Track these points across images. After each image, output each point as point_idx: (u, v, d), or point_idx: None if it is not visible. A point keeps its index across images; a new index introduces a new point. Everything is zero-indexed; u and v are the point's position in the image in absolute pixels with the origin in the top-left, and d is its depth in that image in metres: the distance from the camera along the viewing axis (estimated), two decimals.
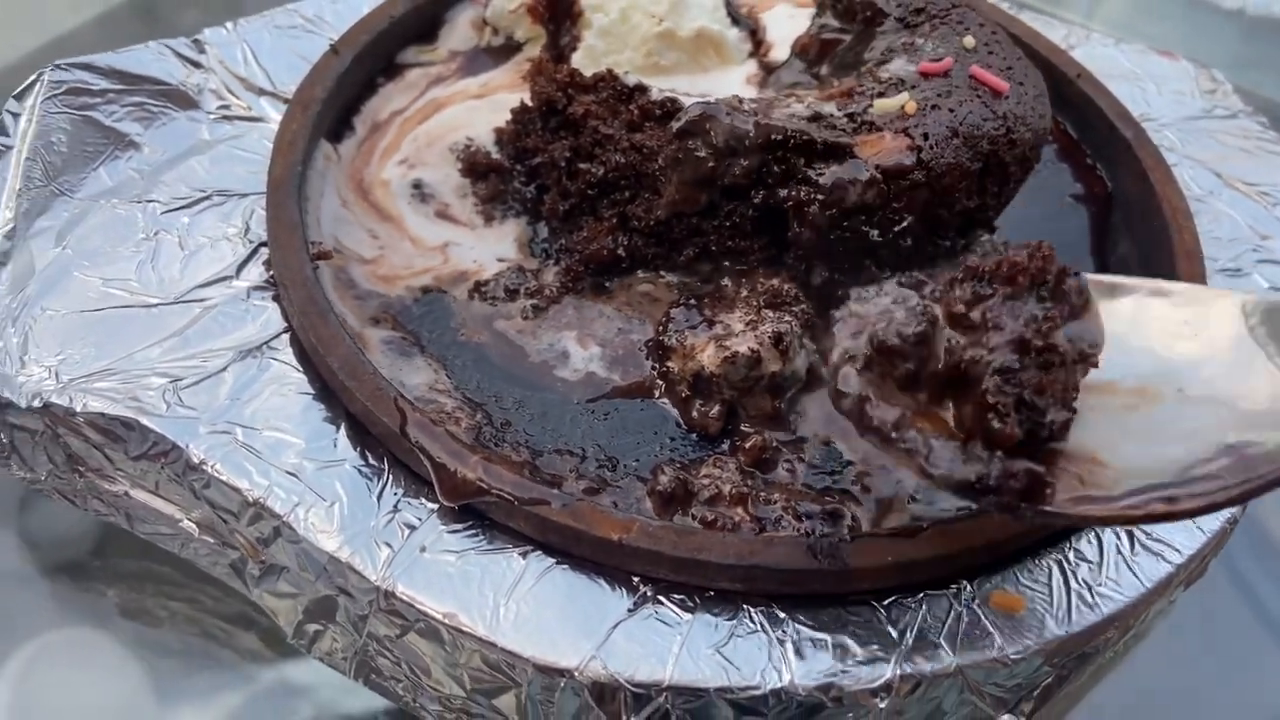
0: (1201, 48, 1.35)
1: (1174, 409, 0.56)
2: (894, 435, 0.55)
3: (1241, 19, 1.37)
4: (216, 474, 0.63)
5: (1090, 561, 0.65)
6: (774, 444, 0.70)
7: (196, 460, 0.63)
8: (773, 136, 0.71)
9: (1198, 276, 0.77)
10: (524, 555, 0.61)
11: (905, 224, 0.71)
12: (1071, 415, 0.54)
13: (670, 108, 0.78)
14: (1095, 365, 0.56)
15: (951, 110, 0.73)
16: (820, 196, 0.70)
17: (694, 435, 0.71)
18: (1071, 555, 0.65)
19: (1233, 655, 0.82)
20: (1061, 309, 0.56)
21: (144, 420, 0.64)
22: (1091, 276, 0.61)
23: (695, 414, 0.71)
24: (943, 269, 0.70)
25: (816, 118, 0.74)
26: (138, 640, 0.76)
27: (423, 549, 0.61)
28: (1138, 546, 0.65)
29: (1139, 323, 0.60)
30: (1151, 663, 0.76)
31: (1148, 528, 0.66)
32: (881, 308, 0.60)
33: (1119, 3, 1.43)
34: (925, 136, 0.71)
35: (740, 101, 0.78)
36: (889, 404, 0.56)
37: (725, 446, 0.70)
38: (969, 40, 0.77)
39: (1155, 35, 1.36)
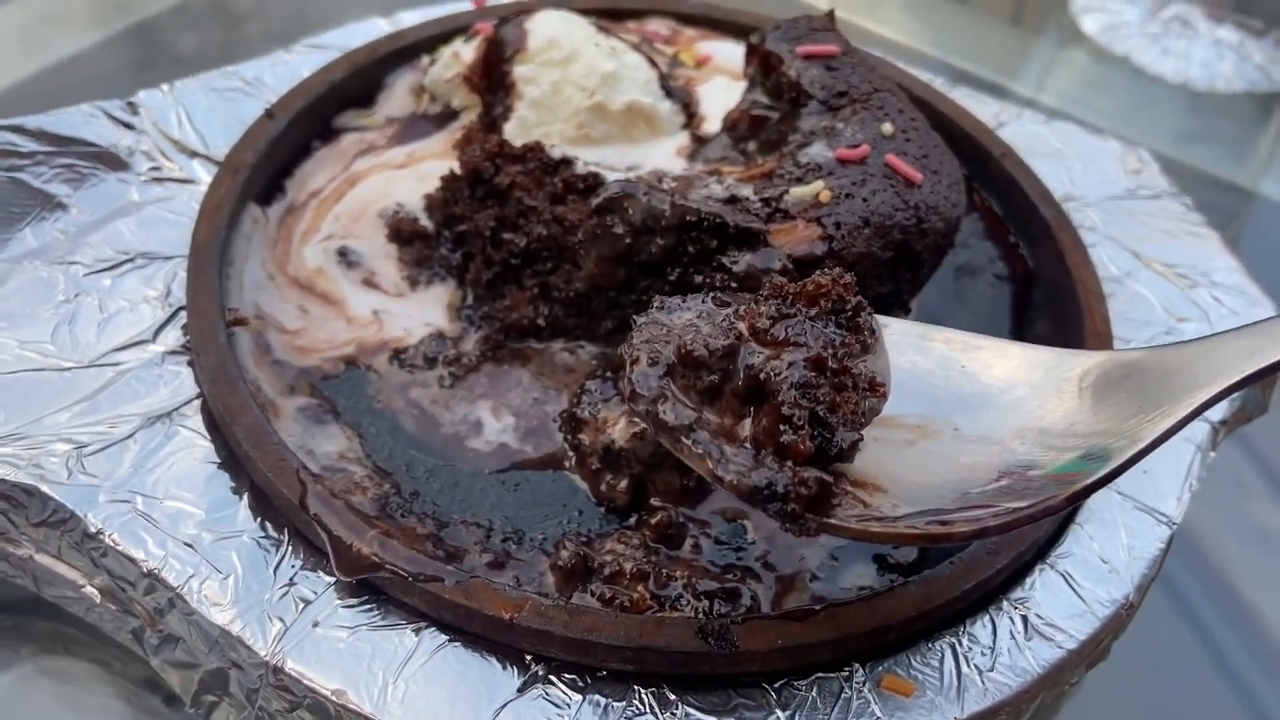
0: (1146, 121, 1.38)
1: (950, 445, 0.59)
2: (687, 437, 0.56)
3: (1185, 93, 1.41)
4: (113, 543, 0.63)
5: (984, 645, 0.65)
6: (680, 519, 0.70)
7: (94, 529, 0.63)
8: (688, 218, 0.73)
9: None
10: (417, 632, 0.62)
11: None
12: (859, 437, 0.56)
13: (593, 182, 0.79)
14: (884, 396, 0.58)
15: (865, 200, 0.74)
16: (734, 284, 0.71)
17: (603, 508, 0.71)
18: (965, 639, 0.65)
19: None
20: (857, 340, 0.59)
21: (44, 488, 0.64)
22: (898, 321, 0.64)
23: (604, 487, 0.72)
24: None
25: (733, 200, 0.75)
26: (54, 699, 0.76)
27: (315, 624, 0.61)
28: (1031, 631, 0.66)
29: (926, 368, 0.63)
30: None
31: (1039, 611, 0.67)
32: (686, 320, 0.61)
33: (1066, 77, 1.46)
34: (837, 225, 0.73)
35: (660, 180, 0.79)
36: (684, 406, 0.57)
37: (633, 520, 0.71)
38: (887, 127, 0.79)
39: (1101, 108, 1.39)
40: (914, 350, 0.62)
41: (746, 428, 0.56)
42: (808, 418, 0.54)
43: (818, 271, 0.60)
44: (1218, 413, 0.80)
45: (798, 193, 0.75)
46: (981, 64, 1.45)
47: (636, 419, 0.58)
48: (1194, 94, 1.41)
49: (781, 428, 0.54)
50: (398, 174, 0.87)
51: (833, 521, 0.54)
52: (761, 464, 0.54)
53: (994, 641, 0.65)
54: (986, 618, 0.66)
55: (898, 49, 1.44)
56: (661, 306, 0.62)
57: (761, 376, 0.56)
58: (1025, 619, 0.66)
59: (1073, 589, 0.68)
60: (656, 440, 0.69)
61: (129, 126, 0.85)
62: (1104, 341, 0.80)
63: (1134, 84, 1.43)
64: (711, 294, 0.63)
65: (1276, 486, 1.01)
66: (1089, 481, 0.53)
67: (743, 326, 0.58)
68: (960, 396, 0.60)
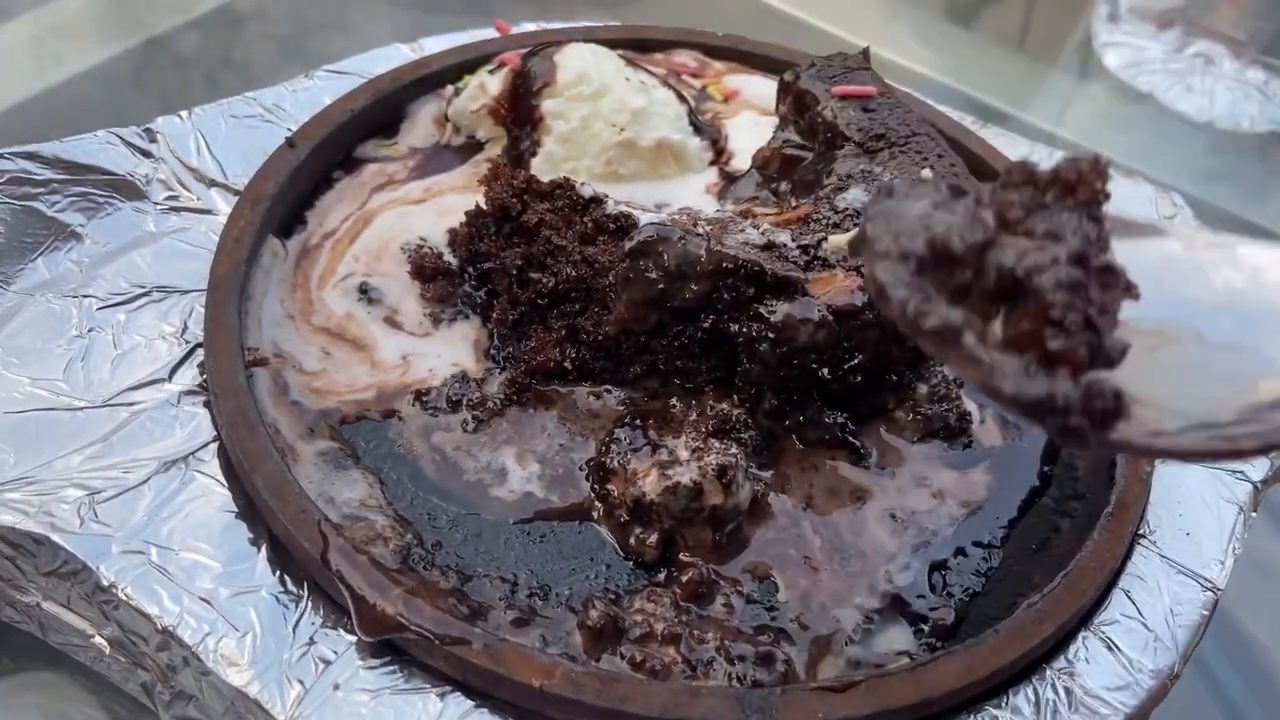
0: (1168, 159, 1.37)
1: (1197, 352, 0.53)
2: (959, 341, 0.49)
3: (1209, 131, 1.39)
4: (126, 598, 0.60)
5: (1027, 718, 0.63)
6: (711, 577, 0.68)
7: (106, 582, 0.61)
8: (724, 264, 0.71)
9: None
10: (442, 696, 0.59)
11: (855, 361, 0.70)
12: (1129, 344, 0.49)
13: (624, 223, 0.77)
14: (1137, 297, 0.51)
15: None
16: (771, 335, 0.69)
17: (631, 562, 0.69)
18: (1008, 711, 0.63)
19: None
20: (1102, 232, 0.52)
21: (54, 537, 0.61)
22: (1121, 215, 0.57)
23: (633, 541, 0.69)
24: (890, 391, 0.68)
25: (770, 246, 0.73)
26: None
27: (336, 686, 0.59)
28: (1076, 704, 0.64)
29: (1154, 261, 0.56)
30: None
31: (1084, 683, 0.65)
32: (921, 210, 0.54)
33: (1086, 112, 1.45)
34: None
35: (695, 222, 0.77)
36: (949, 307, 0.50)
37: (662, 576, 0.69)
38: (926, 173, 0.77)
39: (1122, 145, 1.38)
40: (1137, 247, 0.55)
41: (998, 329, 0.50)
42: (1080, 322, 0.48)
43: (1064, 158, 0.55)
44: (1259, 472, 0.78)
45: (836, 241, 0.72)
46: (998, 95, 1.43)
47: (894, 318, 0.51)
48: (1215, 132, 1.40)
49: (1050, 333, 0.48)
50: (415, 209, 0.85)
51: (1117, 438, 0.48)
52: (1033, 372, 0.48)
53: (1038, 714, 0.63)
54: (1030, 688, 0.64)
55: (913, 78, 1.42)
56: (891, 193, 0.56)
57: (1020, 274, 0.49)
58: (1069, 691, 0.64)
59: (1116, 658, 0.66)
60: (688, 500, 0.67)
61: (146, 154, 0.82)
62: None
63: (1155, 121, 1.41)
64: (946, 182, 0.56)
65: (1276, 518, 0.99)
66: None
67: (989, 217, 0.52)
68: (1199, 298, 0.55)
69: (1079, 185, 0.52)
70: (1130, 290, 0.51)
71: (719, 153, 0.93)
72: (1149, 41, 1.42)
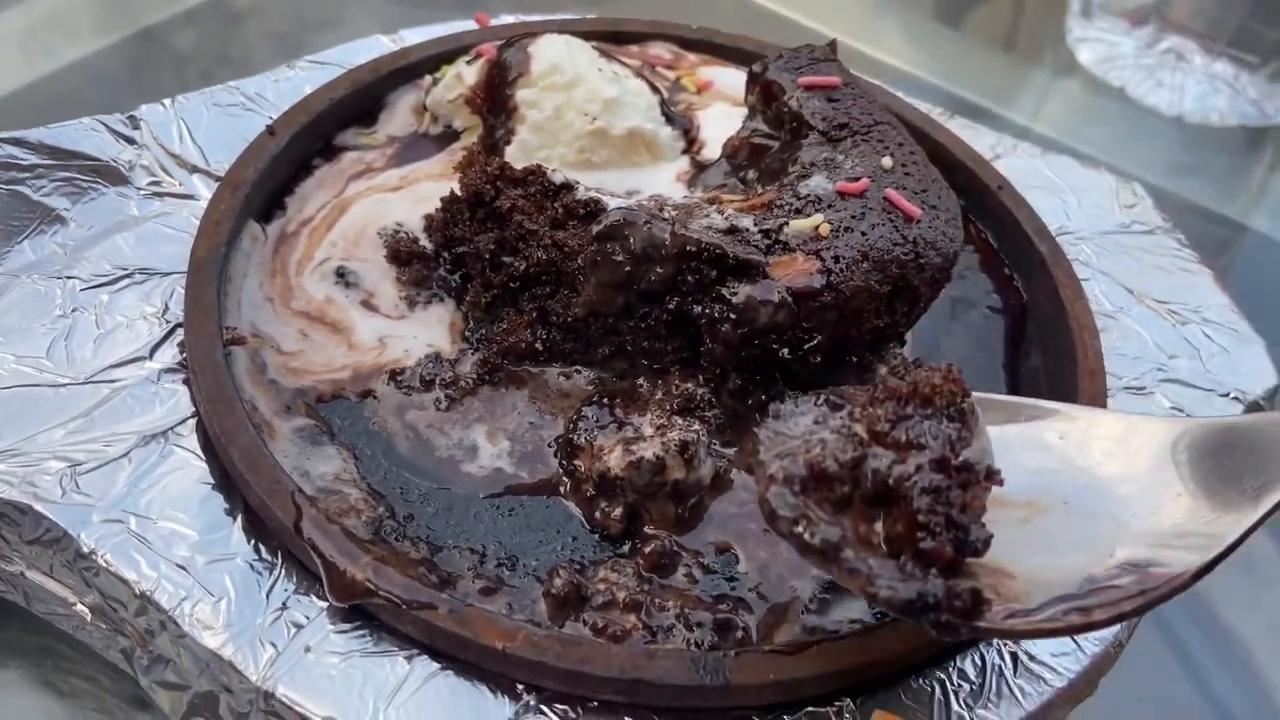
0: (1138, 152, 1.40)
1: (1063, 520, 0.60)
2: (838, 556, 0.56)
3: (1178, 126, 1.42)
4: (106, 564, 0.63)
5: (972, 682, 0.65)
6: (674, 548, 0.71)
7: (87, 549, 0.63)
8: (688, 248, 0.73)
9: (1098, 393, 0.80)
10: (409, 659, 0.62)
11: (815, 342, 0.73)
12: (990, 534, 0.56)
13: (593, 208, 0.79)
14: (1000, 484, 0.58)
15: (863, 234, 0.75)
16: (732, 316, 0.71)
17: (597, 535, 0.72)
18: (954, 676, 0.66)
19: None
20: (965, 427, 0.59)
21: (37, 506, 0.64)
22: (987, 396, 0.65)
23: (599, 514, 0.72)
24: (854, 386, 0.71)
25: (733, 231, 0.75)
26: (42, 712, 0.76)
27: (307, 649, 0.61)
28: (1020, 668, 0.66)
29: (1026, 441, 0.64)
30: None
31: (1029, 648, 0.67)
32: (805, 427, 0.62)
33: (1061, 107, 1.48)
34: (836, 259, 0.73)
35: (662, 207, 0.80)
36: (827, 524, 0.57)
37: (626, 548, 0.71)
38: (887, 161, 0.80)
39: (1095, 139, 1.40)
40: (1008, 425, 0.63)
41: (879, 529, 0.56)
42: (943, 522, 0.54)
43: (924, 369, 0.62)
44: None
45: (797, 225, 0.75)
46: (979, 92, 1.46)
47: (784, 537, 0.57)
48: (1187, 126, 1.42)
49: (919, 535, 0.54)
50: (392, 196, 0.87)
51: (982, 625, 0.54)
52: (909, 574, 0.54)
53: (983, 679, 0.66)
54: (977, 653, 0.67)
55: (897, 75, 1.45)
56: (778, 415, 0.63)
57: (890, 482, 0.56)
58: (1015, 656, 0.67)
59: None
60: (651, 474, 0.70)
61: (130, 140, 0.85)
62: (1096, 379, 0.80)
63: (1128, 115, 1.44)
64: (825, 396, 0.64)
65: None
66: (1206, 561, 0.55)
67: (861, 430, 0.59)
68: (1064, 470, 0.62)
69: (935, 395, 0.59)
70: (993, 478, 0.58)
71: (691, 142, 0.95)
72: (1121, 37, 1.45)
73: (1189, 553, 0.56)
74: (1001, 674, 0.66)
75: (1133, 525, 0.59)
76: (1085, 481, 0.62)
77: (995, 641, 0.67)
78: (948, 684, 0.65)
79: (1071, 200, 1.01)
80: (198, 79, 1.25)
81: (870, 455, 0.57)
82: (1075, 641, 0.68)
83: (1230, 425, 0.62)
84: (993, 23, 1.73)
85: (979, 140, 1.03)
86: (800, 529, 0.56)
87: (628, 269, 0.75)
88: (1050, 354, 0.86)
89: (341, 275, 0.83)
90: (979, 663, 0.66)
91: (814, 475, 0.57)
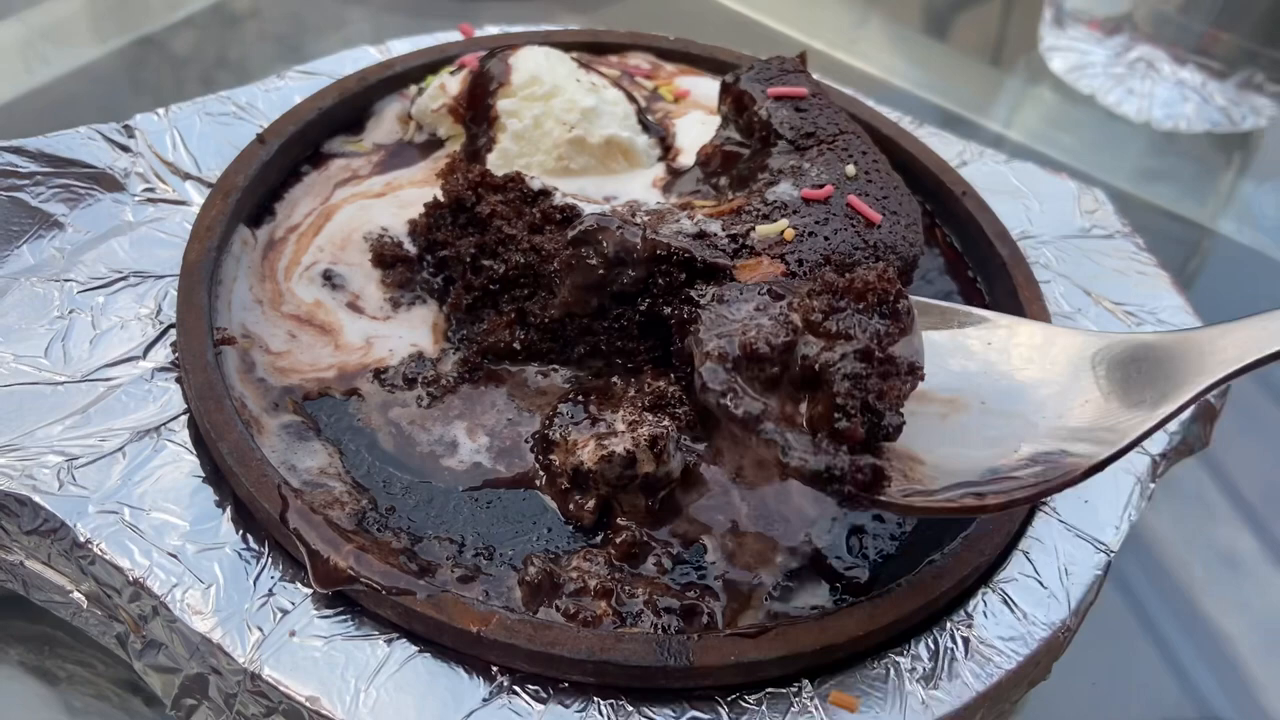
0: (1109, 159, 1.43)
1: (978, 418, 0.66)
2: (757, 426, 0.62)
3: (1147, 133, 1.46)
4: (101, 553, 0.66)
5: (926, 665, 0.69)
6: (644, 539, 0.74)
7: (83, 539, 0.66)
8: (658, 251, 0.77)
9: None
10: (389, 642, 0.65)
11: None
12: (903, 421, 0.62)
13: (569, 213, 0.83)
14: (922, 379, 0.64)
15: (826, 238, 0.78)
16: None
17: (571, 527, 0.75)
18: (909, 658, 0.69)
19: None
20: (897, 326, 0.64)
21: (36, 498, 0.67)
22: (923, 300, 0.71)
23: (572, 506, 0.75)
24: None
25: (701, 235, 0.79)
26: (39, 698, 0.79)
27: (292, 633, 0.64)
28: (971, 652, 0.70)
29: (954, 345, 0.70)
30: None
31: (980, 634, 0.71)
32: (746, 312, 0.67)
33: (1034, 114, 1.51)
34: (800, 262, 0.77)
35: (635, 213, 0.83)
36: (752, 399, 0.62)
37: (599, 538, 0.74)
38: (850, 169, 0.83)
39: (1067, 145, 1.44)
40: (941, 327, 0.69)
41: (804, 410, 0.62)
42: (859, 406, 0.59)
43: (862, 267, 0.66)
44: (1157, 445, 0.85)
45: (763, 230, 0.79)
46: (955, 100, 1.50)
47: (711, 408, 0.63)
48: (1156, 133, 1.46)
49: (836, 415, 0.59)
50: (377, 202, 0.91)
51: (882, 499, 0.59)
52: (820, 449, 0.59)
53: (935, 662, 0.69)
54: (931, 638, 0.70)
55: (874, 83, 1.49)
56: (722, 299, 0.68)
57: (816, 367, 0.61)
58: (966, 640, 0.70)
59: (1012, 612, 0.72)
60: (622, 468, 0.74)
61: (125, 149, 0.88)
62: None
63: (1099, 123, 1.48)
64: (768, 286, 0.68)
65: (1241, 510, 1.05)
66: (1104, 456, 0.60)
67: (797, 319, 0.64)
68: (985, 373, 0.67)
69: (869, 291, 0.64)
70: (915, 373, 0.63)
71: (667, 149, 0.98)
72: (1093, 46, 1.49)
73: (1090, 448, 0.61)
74: (953, 657, 0.69)
75: (1041, 425, 0.65)
76: (1004, 384, 0.67)
77: (949, 626, 0.71)
78: (902, 666, 0.68)
79: (1035, 205, 1.04)
80: (196, 85, 1.28)
81: (802, 342, 0.63)
82: (1024, 625, 0.71)
83: (1143, 341, 0.67)
84: (977, 33, 1.76)
85: (947, 148, 1.07)
86: (726, 400, 0.62)
87: (601, 272, 0.78)
88: None
89: (328, 278, 0.86)
90: (932, 646, 0.70)
91: (747, 355, 0.63)
